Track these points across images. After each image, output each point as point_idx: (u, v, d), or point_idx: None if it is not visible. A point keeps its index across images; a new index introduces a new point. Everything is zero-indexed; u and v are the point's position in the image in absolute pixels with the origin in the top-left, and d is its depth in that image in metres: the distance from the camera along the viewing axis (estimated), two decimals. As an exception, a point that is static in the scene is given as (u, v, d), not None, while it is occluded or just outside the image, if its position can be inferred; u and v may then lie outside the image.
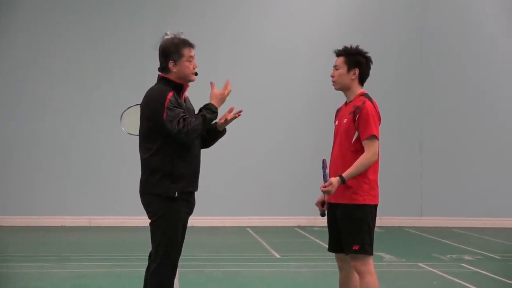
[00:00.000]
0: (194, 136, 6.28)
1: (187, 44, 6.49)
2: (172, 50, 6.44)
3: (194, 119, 6.27)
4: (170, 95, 6.29)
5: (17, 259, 12.08)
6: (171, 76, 6.44)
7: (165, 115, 6.21)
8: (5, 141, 17.05)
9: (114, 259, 12.13)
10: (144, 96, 6.46)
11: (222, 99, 6.52)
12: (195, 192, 6.55)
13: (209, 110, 6.38)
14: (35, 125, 17.13)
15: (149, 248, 6.42)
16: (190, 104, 6.62)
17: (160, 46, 6.57)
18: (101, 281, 10.43)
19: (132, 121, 7.00)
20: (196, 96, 7.25)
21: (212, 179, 16.25)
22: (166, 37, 17.09)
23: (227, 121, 6.55)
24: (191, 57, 6.48)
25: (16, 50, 17.20)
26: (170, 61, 6.43)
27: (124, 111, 7.21)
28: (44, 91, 17.17)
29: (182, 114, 6.25)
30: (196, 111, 6.51)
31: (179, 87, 6.44)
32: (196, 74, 6.53)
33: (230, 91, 6.60)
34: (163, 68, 6.49)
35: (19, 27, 17.19)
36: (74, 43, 17.30)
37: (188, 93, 6.61)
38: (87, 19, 17.36)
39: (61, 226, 16.81)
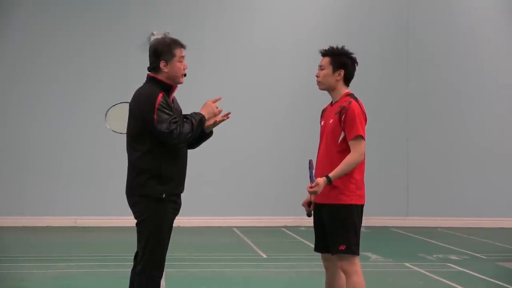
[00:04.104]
0: (183, 139, 6.26)
1: (179, 44, 6.46)
2: (164, 50, 6.39)
3: (184, 123, 6.27)
4: (160, 96, 6.26)
5: (3, 260, 12.02)
6: (161, 77, 6.41)
7: (156, 117, 6.18)
8: (-9, 141, 17.04)
9: (100, 259, 12.12)
10: (133, 97, 6.42)
11: (210, 106, 6.49)
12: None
13: (195, 118, 6.35)
14: (21, 126, 17.06)
15: (135, 248, 6.41)
16: (178, 105, 6.60)
17: (151, 46, 6.51)
18: (87, 281, 10.41)
19: (118, 119, 6.97)
20: (182, 96, 7.24)
21: (199, 179, 16.25)
22: (153, 37, 17.12)
23: (215, 123, 6.53)
24: (182, 57, 6.45)
25: (3, 52, 17.14)
26: (162, 61, 6.39)
27: (110, 108, 7.17)
28: (30, 92, 17.11)
29: (173, 117, 6.25)
30: (183, 113, 6.52)
31: (168, 88, 6.43)
32: (184, 75, 6.52)
33: (219, 100, 6.57)
34: (154, 68, 6.45)
35: (6, 29, 17.13)
36: (60, 44, 17.25)
37: (174, 93, 6.59)
38: (74, 20, 17.29)
39: (47, 226, 16.77)
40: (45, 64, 17.20)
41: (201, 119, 6.39)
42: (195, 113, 6.42)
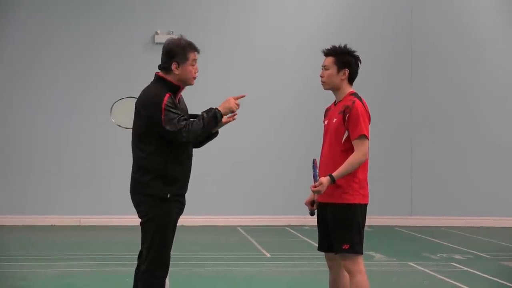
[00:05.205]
0: (193, 136, 6.24)
1: (193, 48, 6.43)
2: (178, 52, 6.36)
3: (193, 121, 6.26)
4: (167, 96, 6.24)
5: (6, 258, 12.03)
6: (171, 77, 6.37)
7: (163, 116, 6.16)
8: (-6, 140, 17.04)
9: (104, 258, 12.11)
10: (140, 96, 6.41)
11: (228, 101, 6.43)
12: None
13: (207, 113, 6.32)
14: (23, 126, 17.06)
15: (137, 247, 6.40)
16: (184, 105, 6.58)
17: (165, 45, 6.46)
18: (90, 280, 10.40)
19: (124, 113, 6.93)
20: (186, 96, 7.22)
21: (203, 178, 16.22)
22: (157, 36, 17.11)
23: (221, 124, 6.51)
24: (195, 60, 6.42)
25: (3, 52, 17.13)
26: (174, 63, 6.35)
27: (115, 102, 7.11)
28: (31, 92, 17.10)
29: (180, 115, 6.23)
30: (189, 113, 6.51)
31: (176, 89, 6.40)
32: (194, 78, 6.49)
33: (241, 97, 6.53)
34: (164, 67, 6.41)
35: (6, 29, 17.12)
36: (61, 44, 17.23)
37: (181, 93, 6.56)
38: (75, 20, 17.27)
39: (51, 225, 16.77)
40: (46, 64, 17.18)
41: (214, 114, 6.32)
42: (209, 108, 6.39)
